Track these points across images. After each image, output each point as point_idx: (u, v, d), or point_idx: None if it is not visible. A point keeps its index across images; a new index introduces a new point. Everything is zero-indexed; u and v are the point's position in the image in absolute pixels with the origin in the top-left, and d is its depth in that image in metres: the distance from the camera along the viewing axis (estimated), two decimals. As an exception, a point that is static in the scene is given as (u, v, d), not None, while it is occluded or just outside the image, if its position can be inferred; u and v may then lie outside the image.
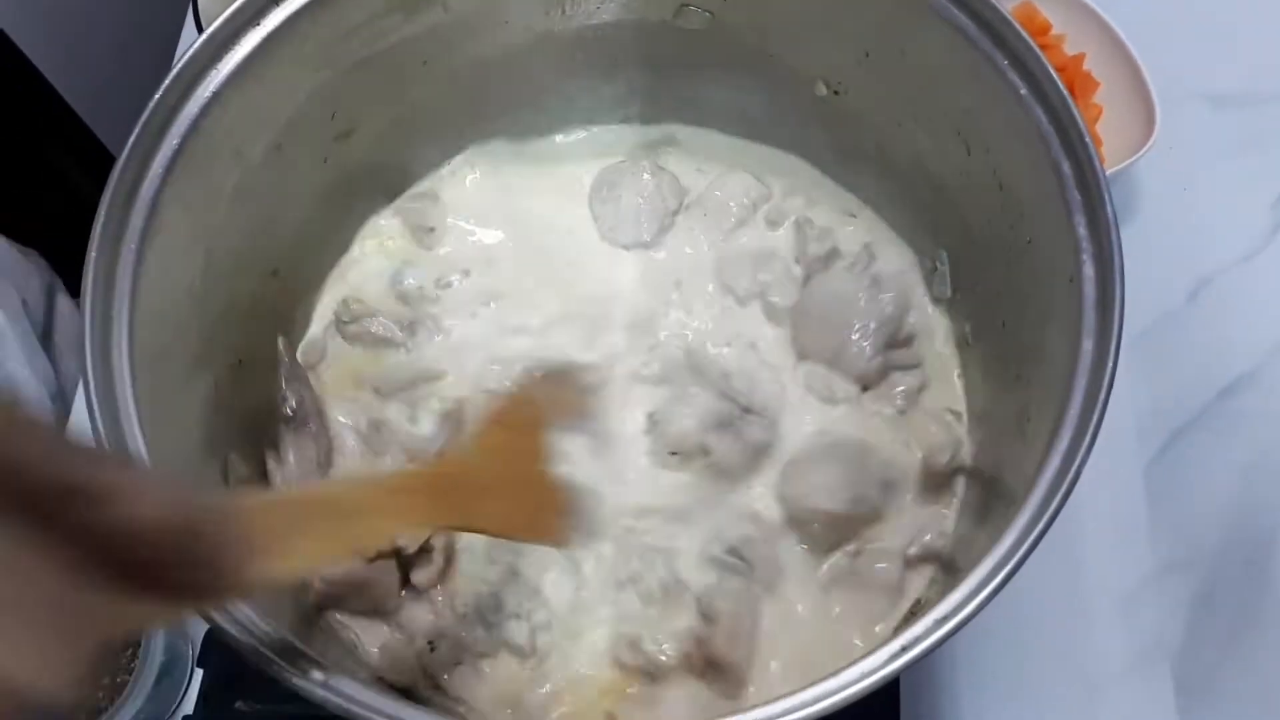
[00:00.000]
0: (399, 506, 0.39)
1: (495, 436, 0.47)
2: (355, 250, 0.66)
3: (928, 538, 0.56)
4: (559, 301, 0.65)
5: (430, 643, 0.55)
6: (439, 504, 0.41)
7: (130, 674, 0.60)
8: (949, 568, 0.55)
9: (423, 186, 0.67)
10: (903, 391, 0.60)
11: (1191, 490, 0.72)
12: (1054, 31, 0.81)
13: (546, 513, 0.47)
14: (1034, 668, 0.67)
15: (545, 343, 0.63)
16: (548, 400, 0.51)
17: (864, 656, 0.40)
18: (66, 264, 0.90)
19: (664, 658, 0.55)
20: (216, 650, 0.61)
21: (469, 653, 0.55)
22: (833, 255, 0.64)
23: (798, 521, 0.58)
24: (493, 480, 0.45)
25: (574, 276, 0.66)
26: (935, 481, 0.58)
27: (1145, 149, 0.75)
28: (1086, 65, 0.80)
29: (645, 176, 0.67)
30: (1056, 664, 0.67)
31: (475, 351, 0.63)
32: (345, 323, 0.63)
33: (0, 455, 0.23)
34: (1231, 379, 0.76)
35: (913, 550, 0.56)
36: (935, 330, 0.63)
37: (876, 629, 0.55)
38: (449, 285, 0.65)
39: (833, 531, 0.57)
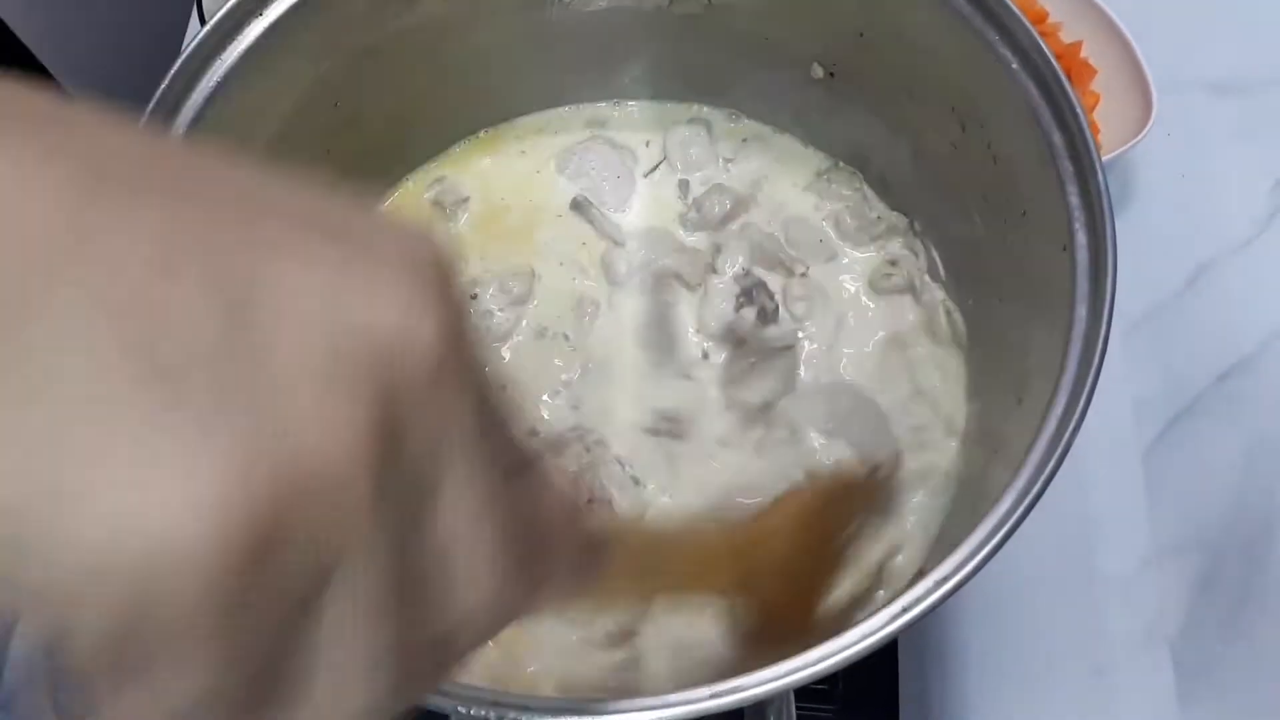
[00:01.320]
0: (708, 563, 0.41)
1: (804, 519, 0.46)
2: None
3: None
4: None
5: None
6: (733, 567, 0.41)
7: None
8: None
9: (425, 174, 0.68)
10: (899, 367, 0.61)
11: (1190, 475, 0.72)
12: (1050, 19, 0.81)
13: (810, 601, 0.47)
14: (1034, 651, 0.67)
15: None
16: (854, 494, 0.51)
17: (864, 619, 0.40)
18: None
19: None
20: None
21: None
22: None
23: None
24: (783, 561, 0.45)
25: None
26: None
27: (1142, 135, 0.75)
28: (1083, 53, 0.80)
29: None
30: (1057, 647, 0.67)
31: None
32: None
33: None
34: (1230, 364, 0.76)
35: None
36: (935, 306, 0.62)
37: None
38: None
39: None
